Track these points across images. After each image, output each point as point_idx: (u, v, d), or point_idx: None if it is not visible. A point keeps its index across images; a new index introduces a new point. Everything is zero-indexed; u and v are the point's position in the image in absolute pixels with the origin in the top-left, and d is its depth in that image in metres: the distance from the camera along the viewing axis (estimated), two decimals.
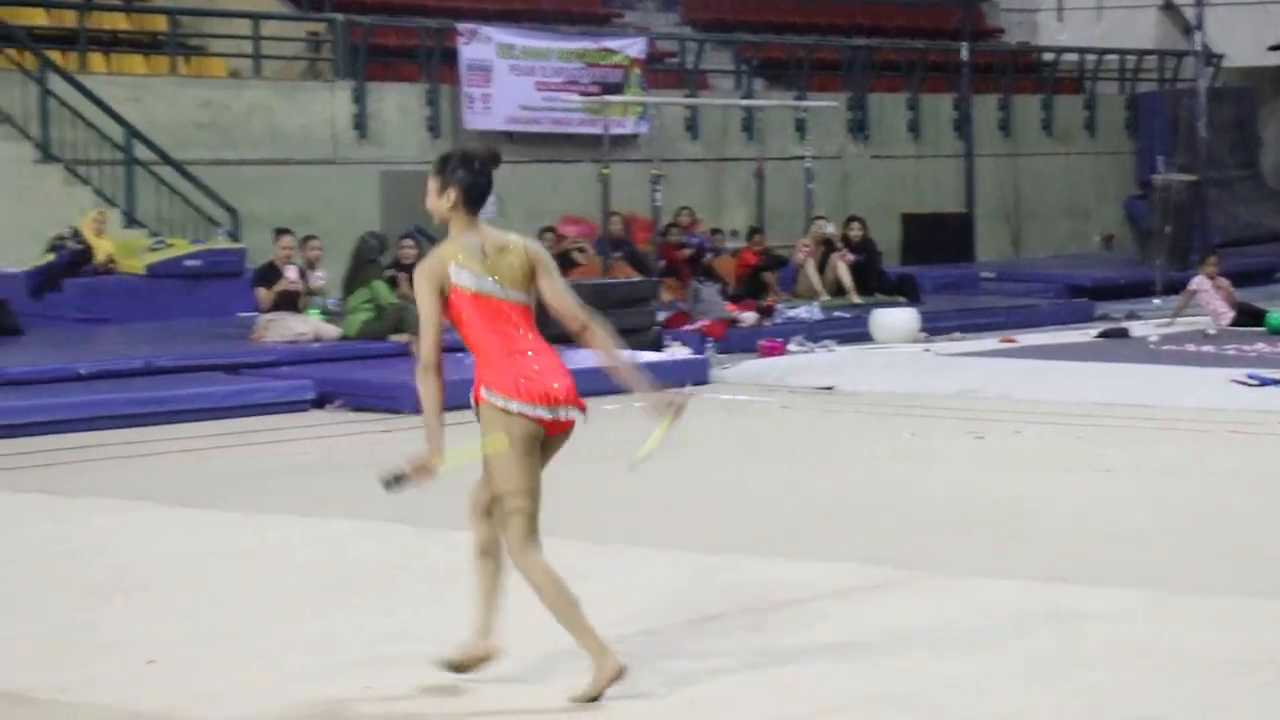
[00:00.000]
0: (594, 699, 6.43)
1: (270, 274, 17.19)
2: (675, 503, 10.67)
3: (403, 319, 16.45)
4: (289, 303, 17.07)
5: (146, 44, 23.34)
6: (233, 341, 16.90)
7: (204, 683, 6.82)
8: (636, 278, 19.84)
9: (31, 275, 18.71)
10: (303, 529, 9.86)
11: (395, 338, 16.49)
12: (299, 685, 6.77)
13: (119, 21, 23.50)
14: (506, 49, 24.64)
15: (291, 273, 17.15)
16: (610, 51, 25.81)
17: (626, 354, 6.58)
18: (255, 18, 23.63)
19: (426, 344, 6.48)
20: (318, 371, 15.22)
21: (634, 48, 26.21)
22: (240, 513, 10.45)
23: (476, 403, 6.48)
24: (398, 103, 23.89)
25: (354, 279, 17.10)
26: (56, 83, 20.45)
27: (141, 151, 20.61)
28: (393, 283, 17.36)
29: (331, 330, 16.92)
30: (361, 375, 15.44)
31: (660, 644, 7.27)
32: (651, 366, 16.43)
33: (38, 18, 22.45)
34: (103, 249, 19.07)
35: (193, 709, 6.51)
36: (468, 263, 6.49)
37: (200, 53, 23.80)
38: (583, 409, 6.51)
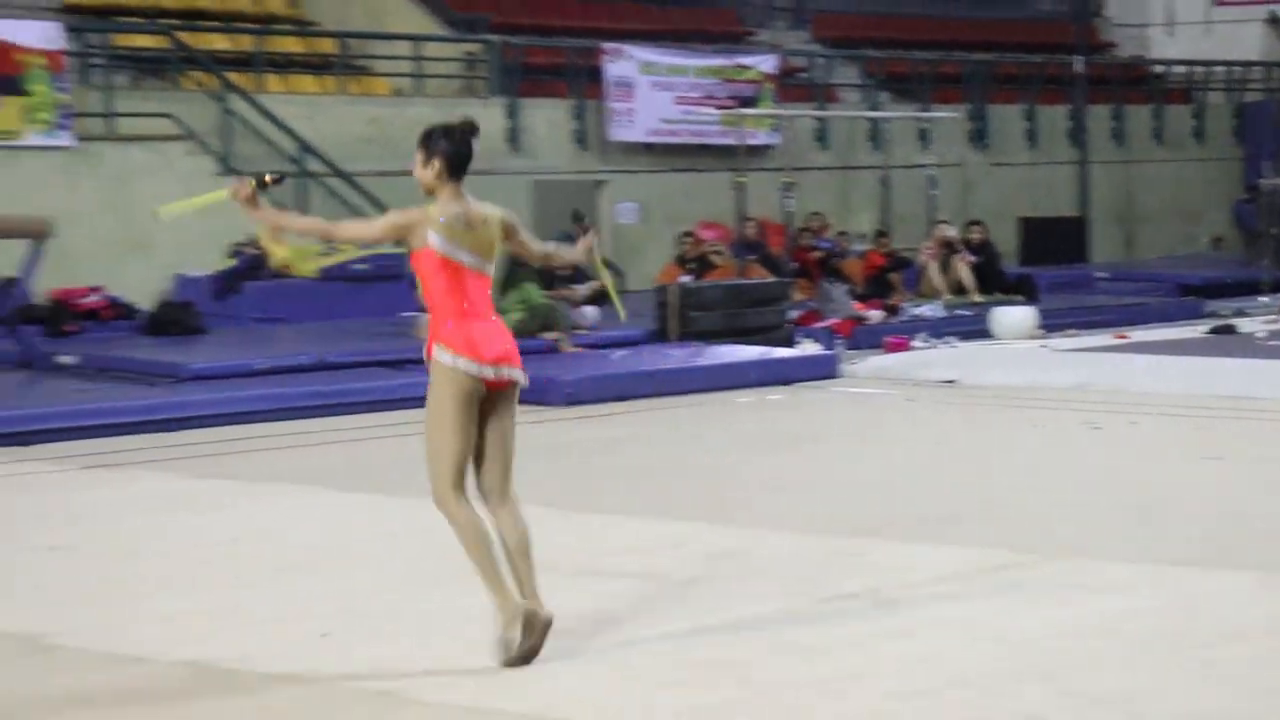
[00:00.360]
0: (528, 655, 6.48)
1: None
2: (805, 488, 10.62)
3: (552, 318, 16.67)
4: None
5: (317, 65, 23.61)
6: (396, 339, 17.01)
7: (371, 653, 6.87)
8: (770, 279, 19.76)
9: (214, 279, 18.99)
10: None
11: (545, 335, 16.55)
12: (457, 658, 6.80)
13: (292, 45, 23.81)
14: (648, 66, 24.67)
15: None
16: (745, 67, 25.77)
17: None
18: (417, 40, 23.86)
19: (352, 232, 7.01)
20: None
21: (767, 64, 26.16)
22: (402, 497, 10.52)
23: (428, 358, 6.59)
24: (547, 117, 23.97)
25: (507, 281, 17.15)
26: (236, 102, 20.74)
27: (313, 164, 20.85)
28: (545, 283, 17.43)
29: None
30: None
31: (791, 621, 7.23)
32: (784, 361, 16.52)
33: (219, 42, 22.81)
34: (278, 254, 19.29)
35: (362, 676, 6.57)
36: (443, 229, 6.54)
37: (366, 73, 24.04)
38: (522, 369, 6.63)
